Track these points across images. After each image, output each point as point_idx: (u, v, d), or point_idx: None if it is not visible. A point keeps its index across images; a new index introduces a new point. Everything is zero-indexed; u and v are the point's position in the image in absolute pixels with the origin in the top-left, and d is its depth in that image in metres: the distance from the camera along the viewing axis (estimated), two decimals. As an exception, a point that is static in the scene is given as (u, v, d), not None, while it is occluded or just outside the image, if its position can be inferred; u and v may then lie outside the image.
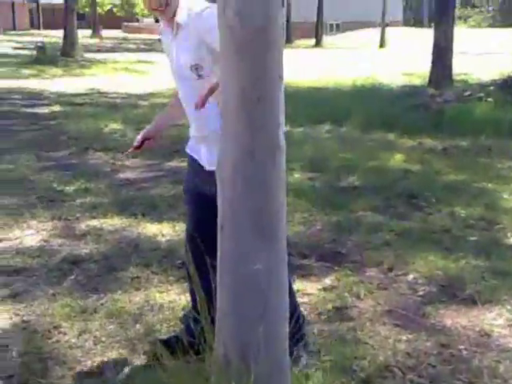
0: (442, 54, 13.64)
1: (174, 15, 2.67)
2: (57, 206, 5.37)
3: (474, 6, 71.25)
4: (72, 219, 5.04)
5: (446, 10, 13.55)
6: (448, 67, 13.83)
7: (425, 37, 31.43)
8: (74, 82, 16.55)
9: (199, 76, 2.64)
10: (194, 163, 2.86)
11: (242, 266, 2.12)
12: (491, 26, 59.96)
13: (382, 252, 4.40)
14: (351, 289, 3.78)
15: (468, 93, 11.56)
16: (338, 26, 53.96)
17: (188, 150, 2.93)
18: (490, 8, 72.63)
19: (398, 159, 7.49)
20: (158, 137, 3.13)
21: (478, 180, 6.47)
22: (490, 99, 10.68)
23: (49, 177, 6.43)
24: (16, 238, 4.61)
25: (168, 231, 4.78)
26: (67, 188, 5.97)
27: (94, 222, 4.98)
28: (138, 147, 3.05)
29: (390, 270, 4.11)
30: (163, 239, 4.62)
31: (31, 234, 4.70)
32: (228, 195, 2.10)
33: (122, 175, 6.67)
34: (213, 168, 2.29)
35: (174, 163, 7.13)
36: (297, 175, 6.55)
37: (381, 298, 3.70)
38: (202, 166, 2.77)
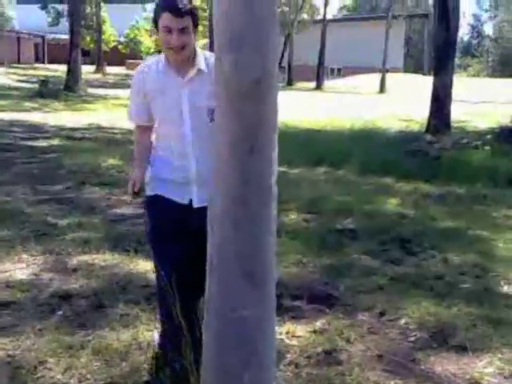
0: (440, 101, 13.79)
1: (189, 59, 2.90)
2: (49, 240, 5.35)
3: (474, 56, 72.24)
4: (64, 254, 5.02)
5: (446, 59, 13.72)
6: (446, 115, 13.96)
7: (424, 84, 31.82)
8: (74, 116, 16.68)
9: (211, 120, 2.78)
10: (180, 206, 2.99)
11: (229, 311, 2.11)
12: (490, 75, 60.74)
13: (374, 296, 4.37)
14: (342, 332, 3.75)
15: (465, 141, 11.65)
16: (339, 70, 54.63)
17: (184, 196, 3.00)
18: (490, 58, 73.62)
19: (393, 203, 7.51)
20: None
21: (473, 227, 6.46)
22: (486, 147, 10.77)
23: (44, 210, 6.42)
24: (6, 271, 4.58)
25: (160, 268, 4.75)
26: (61, 222, 5.95)
27: (86, 258, 4.95)
28: (137, 192, 3.03)
29: (382, 314, 4.08)
30: (153, 276, 4.58)
31: (22, 268, 4.68)
32: (217, 240, 2.10)
33: (117, 210, 6.66)
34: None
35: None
36: (292, 216, 6.55)
37: (371, 342, 3.67)
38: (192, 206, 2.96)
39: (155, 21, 2.87)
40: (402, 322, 3.97)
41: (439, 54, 13.84)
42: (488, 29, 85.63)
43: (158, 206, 3.05)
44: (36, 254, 4.99)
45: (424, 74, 52.09)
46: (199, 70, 2.91)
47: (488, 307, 4.22)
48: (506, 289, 4.69)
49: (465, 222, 6.72)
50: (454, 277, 4.89)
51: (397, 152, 10.98)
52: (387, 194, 8.11)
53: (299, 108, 19.99)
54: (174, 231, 2.97)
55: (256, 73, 1.94)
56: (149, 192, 3.06)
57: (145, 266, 4.76)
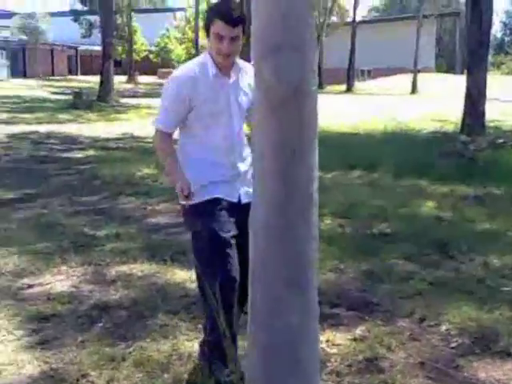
0: (474, 101, 13.59)
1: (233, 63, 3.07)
2: (87, 251, 5.41)
3: (507, 53, 71.22)
4: (102, 265, 5.07)
5: (479, 58, 13.54)
6: (481, 114, 13.75)
7: (456, 83, 31.50)
8: (108, 126, 16.87)
9: (246, 118, 3.17)
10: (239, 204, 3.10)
11: (273, 319, 2.10)
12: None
13: (413, 302, 4.33)
14: (382, 340, 3.71)
15: (501, 140, 11.47)
16: (369, 72, 54.31)
17: (234, 194, 3.11)
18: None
19: (429, 206, 7.43)
20: None
21: (511, 229, 6.36)
22: (523, 146, 10.59)
23: (81, 221, 6.50)
24: (47, 284, 4.65)
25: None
26: (98, 233, 6.02)
27: (124, 268, 4.99)
28: (189, 196, 3.00)
29: (422, 320, 4.04)
30: (192, 285, 4.59)
31: (61, 280, 4.74)
32: (260, 247, 2.10)
33: (152, 220, 6.71)
34: None
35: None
36: (328, 221, 6.52)
37: (412, 349, 3.63)
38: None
39: (207, 25, 2.98)
40: (443, 327, 3.92)
41: (472, 53, 13.66)
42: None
43: (213, 211, 3.02)
44: (75, 265, 5.05)
45: (456, 74, 51.52)
46: (239, 71, 3.10)
47: (531, 311, 4.14)
48: (548, 292, 4.61)
49: (503, 223, 6.61)
50: (495, 280, 4.81)
51: (431, 153, 10.85)
52: (423, 196, 8.02)
53: (331, 111, 19.92)
54: (233, 234, 3.02)
55: (296, 78, 1.95)
56: (198, 198, 3.01)
57: (182, 276, 4.79)
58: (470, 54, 13.91)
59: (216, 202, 3.04)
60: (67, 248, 5.49)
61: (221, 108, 3.05)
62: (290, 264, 2.07)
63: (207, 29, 2.98)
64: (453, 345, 3.69)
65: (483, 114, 13.88)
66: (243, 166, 3.15)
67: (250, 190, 2.87)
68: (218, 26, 2.90)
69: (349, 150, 11.68)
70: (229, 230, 2.99)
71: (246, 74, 3.11)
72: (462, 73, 55.34)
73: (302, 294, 2.10)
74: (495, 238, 5.99)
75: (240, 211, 2.96)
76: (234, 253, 2.97)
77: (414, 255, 5.40)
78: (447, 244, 5.73)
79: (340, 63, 47.35)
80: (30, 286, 4.60)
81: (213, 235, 2.97)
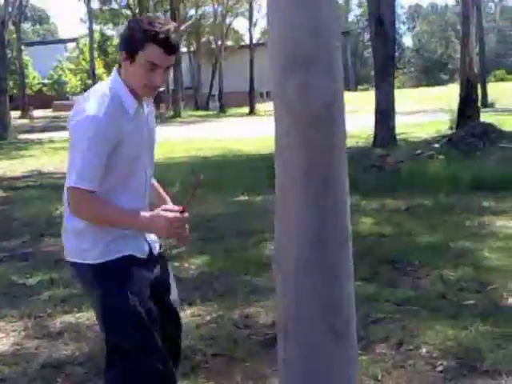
0: (385, 114, 13.90)
1: None
2: (23, 302, 4.93)
3: (397, 68, 74.16)
4: (44, 316, 4.61)
5: (387, 72, 13.88)
6: (391, 128, 14.08)
7: (354, 99, 32.29)
8: (12, 165, 16.00)
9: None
10: (151, 257, 2.61)
11: (312, 373, 1.85)
12: (414, 85, 62.41)
13: (385, 325, 4.17)
14: (367, 369, 3.51)
15: (418, 151, 11.70)
16: (267, 93, 55.01)
17: (144, 248, 2.58)
18: (412, 69, 75.77)
19: (367, 223, 7.36)
20: None
21: (454, 239, 6.37)
22: (440, 157, 10.82)
23: (7, 269, 5.98)
24: (-15, 344, 4.17)
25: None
26: (30, 280, 5.53)
27: (69, 318, 4.56)
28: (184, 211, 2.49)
29: (400, 344, 3.87)
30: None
31: (1, 338, 4.26)
32: (291, 290, 1.84)
33: (85, 261, 6.25)
34: None
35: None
36: (272, 247, 6.31)
37: (400, 378, 3.46)
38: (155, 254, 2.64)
39: (133, 49, 2.35)
40: (424, 350, 3.77)
41: (379, 67, 13.97)
42: (407, 40, 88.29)
43: (127, 272, 2.46)
44: (13, 319, 4.57)
45: (350, 90, 52.97)
46: (147, 102, 2.59)
47: (504, 324, 4.07)
48: (511, 301, 4.58)
49: (443, 234, 6.64)
50: (456, 294, 4.74)
51: (352, 168, 10.77)
52: (357, 213, 7.95)
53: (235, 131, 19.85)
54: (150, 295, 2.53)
55: (327, 95, 1.71)
56: (103, 258, 2.45)
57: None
58: (377, 71, 14.21)
59: (127, 261, 2.48)
60: (-1, 301, 5.00)
61: (141, 148, 2.51)
62: (327, 308, 1.83)
63: (131, 53, 2.35)
64: (439, 368, 3.54)
65: (393, 127, 14.22)
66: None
67: (154, 239, 2.62)
68: (153, 53, 2.32)
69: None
70: (149, 295, 2.52)
71: (149, 104, 2.63)
72: (355, 89, 57.17)
73: (341, 340, 1.87)
74: (441, 249, 5.97)
75: (155, 265, 2.61)
76: (157, 321, 2.51)
77: (369, 275, 5.27)
78: (398, 260, 5.65)
79: (238, 87, 47.67)
80: (-33, 348, 4.11)
81: (128, 305, 2.43)
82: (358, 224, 7.26)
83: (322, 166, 1.76)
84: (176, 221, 2.38)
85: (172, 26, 2.38)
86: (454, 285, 4.98)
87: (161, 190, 2.84)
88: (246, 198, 9.47)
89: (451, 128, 17.50)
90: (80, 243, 2.50)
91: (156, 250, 2.64)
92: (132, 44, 2.34)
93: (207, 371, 3.63)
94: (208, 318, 4.49)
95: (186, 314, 4.51)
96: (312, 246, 1.80)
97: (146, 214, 2.43)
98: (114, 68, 2.52)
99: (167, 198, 2.78)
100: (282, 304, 1.88)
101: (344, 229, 1.84)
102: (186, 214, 2.44)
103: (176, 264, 5.91)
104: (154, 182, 2.81)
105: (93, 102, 2.36)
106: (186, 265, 5.91)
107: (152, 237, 2.61)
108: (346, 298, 1.87)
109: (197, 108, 48.78)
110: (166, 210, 2.43)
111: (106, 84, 2.47)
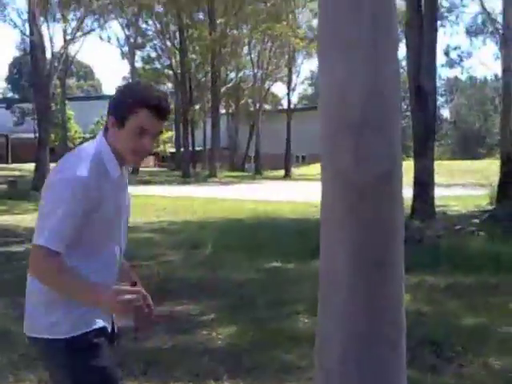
0: (424, 186, 13.61)
1: None
2: (41, 366, 4.70)
3: (435, 140, 74.09)
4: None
5: (426, 143, 13.68)
6: (431, 199, 13.76)
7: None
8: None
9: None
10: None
11: None
12: (451, 158, 62.12)
13: (428, 418, 3.83)
14: None
15: (458, 226, 11.36)
16: (303, 157, 55.20)
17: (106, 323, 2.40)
18: (449, 141, 75.54)
19: (406, 299, 7.00)
20: None
21: (498, 323, 6.02)
22: (482, 233, 10.46)
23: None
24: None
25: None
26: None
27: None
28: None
29: None
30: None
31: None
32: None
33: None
34: None
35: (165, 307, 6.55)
36: (305, 320, 6.02)
37: None
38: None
39: (122, 113, 2.28)
40: None
41: (419, 138, 13.77)
42: (445, 112, 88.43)
43: (101, 346, 2.33)
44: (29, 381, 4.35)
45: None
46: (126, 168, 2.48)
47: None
48: None
49: (486, 316, 6.28)
50: (503, 386, 4.40)
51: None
52: (394, 288, 7.64)
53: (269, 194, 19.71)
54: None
55: (385, 163, 1.49)
56: (76, 331, 2.30)
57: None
58: (417, 141, 14.01)
59: (94, 334, 2.33)
60: (17, 362, 4.78)
61: (118, 214, 2.40)
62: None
63: (121, 119, 2.28)
64: None
65: (433, 198, 13.89)
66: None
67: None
68: (145, 118, 2.26)
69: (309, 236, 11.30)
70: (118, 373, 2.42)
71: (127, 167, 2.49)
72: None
73: None
74: (486, 334, 5.62)
75: (111, 342, 2.43)
76: None
77: (409, 358, 4.92)
78: (438, 343, 5.31)
79: (274, 149, 47.94)
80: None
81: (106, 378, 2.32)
82: (396, 300, 6.94)
83: (376, 246, 1.53)
84: (126, 292, 2.16)
85: (163, 92, 2.38)
86: (497, 374, 4.64)
87: (131, 272, 2.64)
88: (279, 264, 9.19)
89: (491, 203, 17.12)
90: (48, 316, 2.32)
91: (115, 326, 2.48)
92: (123, 109, 2.29)
93: None
94: (235, 396, 4.21)
95: (212, 391, 4.24)
96: (359, 339, 1.56)
97: (99, 286, 2.24)
98: (100, 131, 2.42)
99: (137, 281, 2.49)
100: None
101: (399, 322, 1.60)
102: (139, 288, 2.24)
103: (204, 332, 5.68)
104: (125, 262, 2.62)
105: (77, 163, 2.28)
106: (214, 334, 5.64)
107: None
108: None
109: (233, 168, 49.06)
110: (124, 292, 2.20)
111: (93, 146, 2.37)
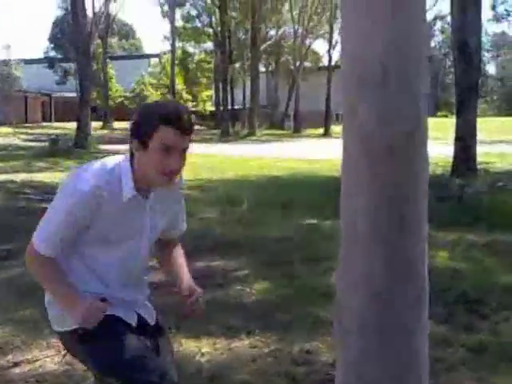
0: (465, 143, 13.36)
1: None
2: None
3: (479, 96, 72.49)
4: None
5: (469, 100, 13.36)
6: (472, 156, 13.51)
7: (432, 125, 31.52)
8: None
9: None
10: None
11: None
12: (496, 114, 60.69)
13: (460, 373, 3.81)
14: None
15: (501, 183, 11.13)
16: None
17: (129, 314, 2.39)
18: (495, 97, 73.74)
19: (443, 257, 6.95)
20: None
21: (537, 280, 5.91)
22: (526, 190, 10.24)
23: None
24: (35, 360, 4.04)
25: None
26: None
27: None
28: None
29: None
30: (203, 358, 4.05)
31: (52, 356, 4.13)
32: (353, 351, 1.57)
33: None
34: None
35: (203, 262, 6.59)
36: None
37: None
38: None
39: (145, 134, 2.20)
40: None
41: (462, 95, 13.47)
42: (491, 68, 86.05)
43: (112, 327, 2.31)
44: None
45: (428, 116, 51.90)
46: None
47: None
48: None
49: (525, 274, 6.17)
50: (539, 344, 4.32)
51: (429, 198, 10.43)
52: (432, 245, 7.52)
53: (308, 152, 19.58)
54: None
55: (408, 122, 1.44)
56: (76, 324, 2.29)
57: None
58: (459, 98, 13.71)
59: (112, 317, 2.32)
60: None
61: (129, 233, 2.35)
62: (395, 377, 1.54)
63: (144, 140, 2.20)
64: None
65: (475, 155, 13.64)
66: (142, 298, 2.49)
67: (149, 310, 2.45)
68: (168, 134, 2.18)
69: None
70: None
71: (167, 190, 2.38)
72: (434, 115, 56.00)
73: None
74: (524, 292, 5.52)
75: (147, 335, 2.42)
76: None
77: (443, 315, 4.89)
78: (474, 301, 5.25)
79: (314, 107, 47.49)
80: (16, 364, 3.99)
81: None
82: (432, 258, 6.86)
83: (397, 207, 1.49)
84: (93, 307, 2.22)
85: (184, 106, 2.35)
86: (537, 333, 4.55)
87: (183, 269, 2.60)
88: (315, 221, 9.17)
89: (535, 160, 16.72)
90: (54, 310, 2.37)
91: (151, 320, 2.46)
92: (143, 129, 2.21)
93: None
94: (266, 350, 4.23)
95: (244, 344, 4.29)
96: (378, 301, 1.52)
97: (74, 293, 2.27)
98: (124, 155, 2.34)
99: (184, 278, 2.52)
100: (342, 367, 1.61)
101: (420, 284, 1.55)
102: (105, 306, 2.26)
103: (238, 287, 5.72)
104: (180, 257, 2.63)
105: (85, 178, 2.25)
106: (248, 290, 5.67)
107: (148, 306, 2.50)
108: (419, 367, 1.58)
109: (272, 127, 48.86)
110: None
111: (116, 162, 2.32)
